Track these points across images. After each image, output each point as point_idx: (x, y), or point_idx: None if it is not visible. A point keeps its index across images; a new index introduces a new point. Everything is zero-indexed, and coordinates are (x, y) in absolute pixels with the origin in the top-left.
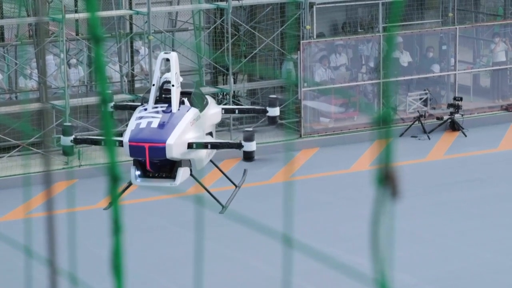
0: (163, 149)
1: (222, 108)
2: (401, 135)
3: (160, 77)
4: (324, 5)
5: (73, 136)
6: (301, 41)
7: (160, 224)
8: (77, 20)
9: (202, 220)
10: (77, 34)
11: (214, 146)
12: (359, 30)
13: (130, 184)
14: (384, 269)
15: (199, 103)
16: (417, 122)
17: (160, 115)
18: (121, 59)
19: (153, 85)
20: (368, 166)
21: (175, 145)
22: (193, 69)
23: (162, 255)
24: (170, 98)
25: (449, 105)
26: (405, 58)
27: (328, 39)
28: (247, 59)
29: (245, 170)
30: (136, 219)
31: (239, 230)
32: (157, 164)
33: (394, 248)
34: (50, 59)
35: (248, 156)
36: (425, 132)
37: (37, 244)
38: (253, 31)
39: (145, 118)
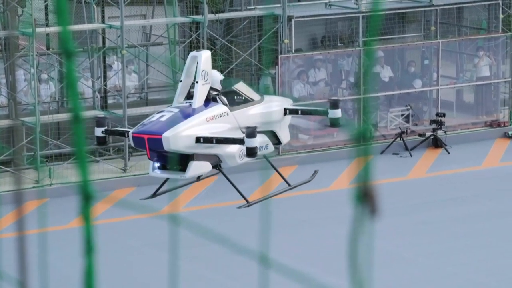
0: (160, 141)
1: (286, 109)
2: (383, 152)
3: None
4: (302, 19)
5: (105, 128)
6: (279, 56)
7: (134, 244)
8: (48, 34)
9: (177, 240)
10: (48, 49)
11: (219, 141)
12: (338, 44)
13: (166, 180)
14: None
15: (238, 101)
16: (398, 138)
17: (176, 110)
18: (93, 74)
19: (180, 81)
20: (348, 184)
21: (172, 138)
22: (168, 84)
23: (136, 276)
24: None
25: (432, 121)
26: (386, 73)
27: (307, 54)
28: (223, 74)
29: (315, 172)
30: (109, 239)
31: (214, 250)
32: (174, 158)
33: (374, 268)
34: (20, 74)
35: (251, 152)
36: (407, 149)
37: (8, 265)
38: (230, 45)
39: (161, 112)
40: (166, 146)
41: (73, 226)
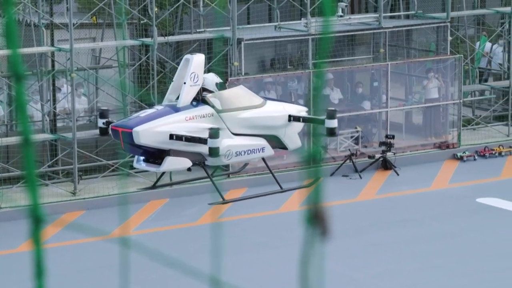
0: (131, 134)
1: (290, 115)
2: (332, 174)
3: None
4: (252, 41)
5: (106, 120)
6: (229, 78)
7: (84, 267)
8: None
9: (127, 263)
10: None
11: (188, 139)
12: (288, 67)
13: (163, 173)
14: None
15: (233, 104)
16: (348, 160)
17: (159, 107)
18: (42, 98)
19: (172, 81)
20: (298, 206)
21: (142, 133)
22: (118, 107)
23: None
24: (197, 96)
25: (381, 143)
26: (335, 95)
27: (256, 76)
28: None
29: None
30: (59, 262)
31: (165, 273)
32: (155, 153)
33: None
34: None
35: (212, 152)
36: (356, 171)
37: None
38: None
39: (145, 109)
40: (136, 140)
41: (22, 250)
